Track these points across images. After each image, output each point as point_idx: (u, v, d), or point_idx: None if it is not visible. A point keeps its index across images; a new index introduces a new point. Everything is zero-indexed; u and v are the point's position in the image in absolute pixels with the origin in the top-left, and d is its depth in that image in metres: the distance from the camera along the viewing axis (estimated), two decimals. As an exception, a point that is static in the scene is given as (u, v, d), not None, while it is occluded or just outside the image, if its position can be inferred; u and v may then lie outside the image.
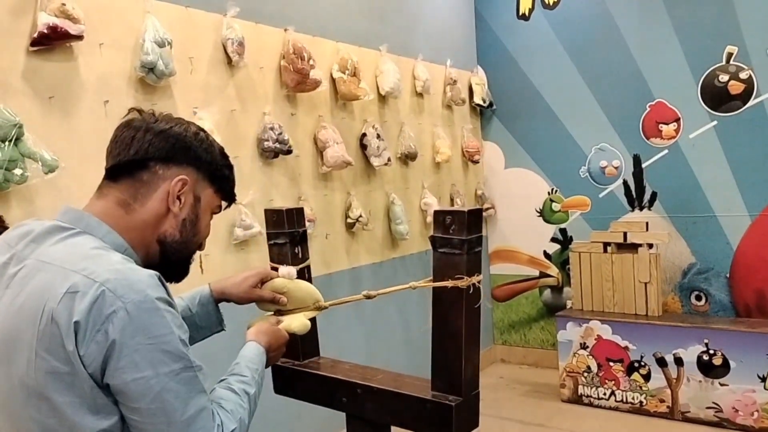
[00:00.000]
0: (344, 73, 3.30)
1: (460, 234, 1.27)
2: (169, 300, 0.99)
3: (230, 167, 1.20)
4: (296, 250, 1.58)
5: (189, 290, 1.43)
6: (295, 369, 1.56)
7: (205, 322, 1.40)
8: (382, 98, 3.70)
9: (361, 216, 3.44)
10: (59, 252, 0.99)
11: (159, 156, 1.08)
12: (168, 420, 0.95)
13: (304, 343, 1.60)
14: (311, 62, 3.01)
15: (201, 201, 1.14)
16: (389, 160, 3.61)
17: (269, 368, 1.34)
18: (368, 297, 1.49)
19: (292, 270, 1.45)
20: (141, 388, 0.93)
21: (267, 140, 2.85)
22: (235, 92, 2.81)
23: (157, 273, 1.00)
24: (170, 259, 1.13)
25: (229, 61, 2.74)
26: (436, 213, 1.30)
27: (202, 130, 1.16)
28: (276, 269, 1.46)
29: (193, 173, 1.12)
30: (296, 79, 2.98)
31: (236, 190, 1.23)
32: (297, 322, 1.39)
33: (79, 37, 2.10)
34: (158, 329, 0.94)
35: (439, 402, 1.26)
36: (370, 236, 3.61)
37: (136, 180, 1.08)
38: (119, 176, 1.09)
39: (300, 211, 1.63)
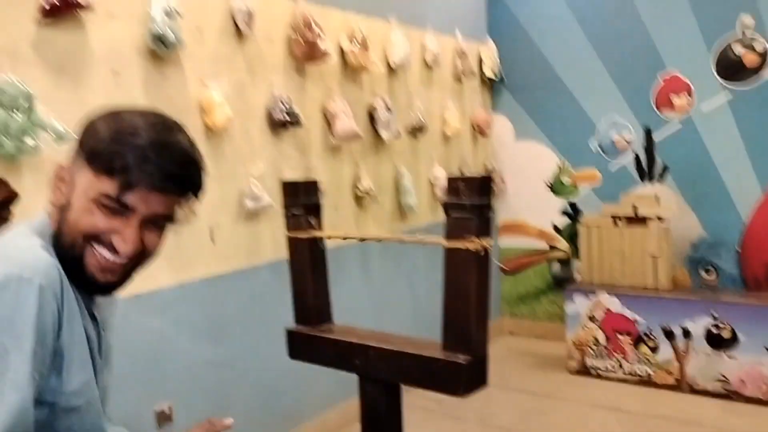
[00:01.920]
0: (353, 44, 3.29)
1: (471, 198, 1.28)
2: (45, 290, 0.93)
3: (121, 142, 0.98)
4: (311, 221, 1.61)
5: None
6: (310, 334, 1.59)
7: None
8: (392, 70, 3.68)
9: (370, 188, 3.44)
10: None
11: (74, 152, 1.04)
12: None
13: (318, 310, 1.63)
14: (320, 33, 3.00)
15: (76, 185, 1.00)
16: (399, 132, 3.61)
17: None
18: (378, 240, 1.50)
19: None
20: None
21: (277, 112, 2.85)
22: (245, 64, 2.81)
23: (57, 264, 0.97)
24: (59, 256, 1.01)
25: (239, 32, 2.73)
26: (449, 179, 1.31)
27: (137, 114, 1.03)
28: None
29: (77, 159, 1.02)
30: (305, 51, 2.97)
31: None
32: None
33: (88, 7, 2.10)
34: (15, 308, 0.90)
35: (449, 360, 1.28)
36: (378, 208, 3.62)
37: None
38: None
39: (315, 184, 1.65)
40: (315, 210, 1.63)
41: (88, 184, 0.98)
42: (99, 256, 1.00)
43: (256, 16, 2.76)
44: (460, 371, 1.26)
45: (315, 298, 1.61)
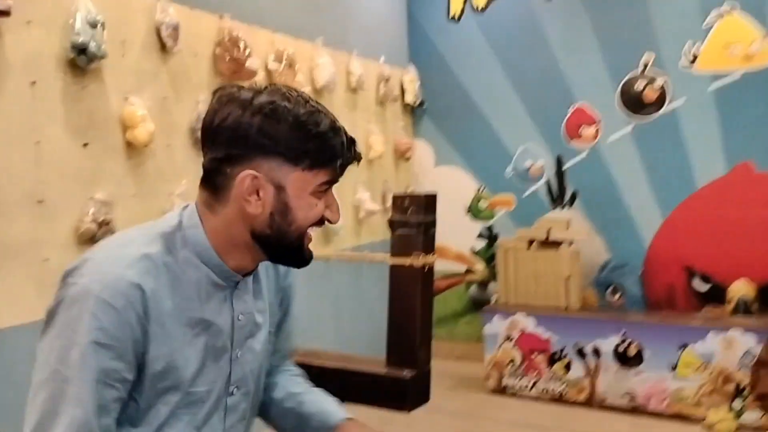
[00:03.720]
0: (280, 64, 3.28)
1: (417, 216, 1.30)
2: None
3: (317, 135, 1.00)
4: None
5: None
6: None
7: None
8: (317, 92, 3.69)
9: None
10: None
11: (225, 157, 0.99)
12: (29, 406, 0.94)
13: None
14: (247, 51, 2.97)
15: (287, 188, 1.00)
16: (323, 154, 3.61)
17: None
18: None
19: None
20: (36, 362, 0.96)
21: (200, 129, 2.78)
22: (169, 79, 2.74)
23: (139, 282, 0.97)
24: (275, 252, 1.06)
25: (163, 46, 2.66)
26: (396, 197, 1.34)
27: (274, 102, 0.98)
28: None
29: (265, 162, 0.99)
30: (232, 68, 2.94)
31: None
32: None
33: (6, 13, 1.99)
34: (73, 318, 0.94)
35: (394, 376, 1.29)
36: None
37: (214, 184, 1.02)
38: (203, 177, 1.05)
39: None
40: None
41: (303, 182, 1.01)
42: (311, 234, 1.07)
43: (182, 31, 2.70)
44: (406, 386, 1.27)
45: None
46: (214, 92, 1.03)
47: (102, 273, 0.95)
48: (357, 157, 1.06)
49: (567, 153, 4.33)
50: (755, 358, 1.47)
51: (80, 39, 2.19)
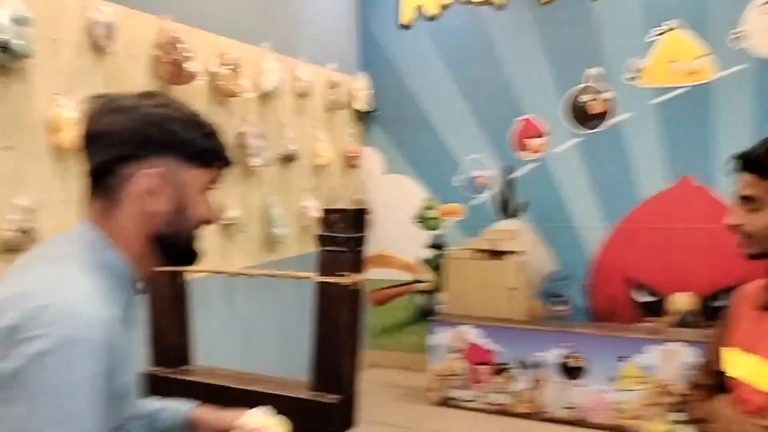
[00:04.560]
0: (224, 68, 3.19)
1: (345, 232, 1.25)
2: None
3: (210, 134, 1.05)
4: None
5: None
6: (168, 377, 1.46)
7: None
8: (263, 97, 3.61)
9: (236, 217, 3.33)
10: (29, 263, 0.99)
11: (122, 158, 0.98)
12: None
13: (179, 350, 1.51)
14: (187, 54, 2.88)
15: (186, 185, 1.03)
16: (269, 160, 3.53)
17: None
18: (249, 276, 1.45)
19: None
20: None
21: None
22: (103, 80, 2.62)
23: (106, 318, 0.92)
24: (172, 251, 1.06)
25: (97, 46, 2.55)
26: (324, 211, 1.28)
27: (172, 102, 1.04)
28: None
29: (167, 160, 1.00)
30: (170, 71, 2.83)
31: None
32: None
33: None
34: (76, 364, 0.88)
35: (318, 401, 1.23)
36: (245, 238, 3.50)
37: (106, 186, 1.00)
38: (92, 183, 1.02)
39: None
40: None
41: (196, 180, 1.03)
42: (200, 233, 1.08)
43: (119, 31, 2.59)
44: (331, 412, 1.21)
45: (175, 337, 1.50)
46: (89, 101, 1.02)
47: (78, 315, 0.88)
48: (232, 161, 1.10)
49: (514, 163, 4.35)
50: (690, 381, 1.46)
51: (2, 36, 2.06)
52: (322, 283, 1.27)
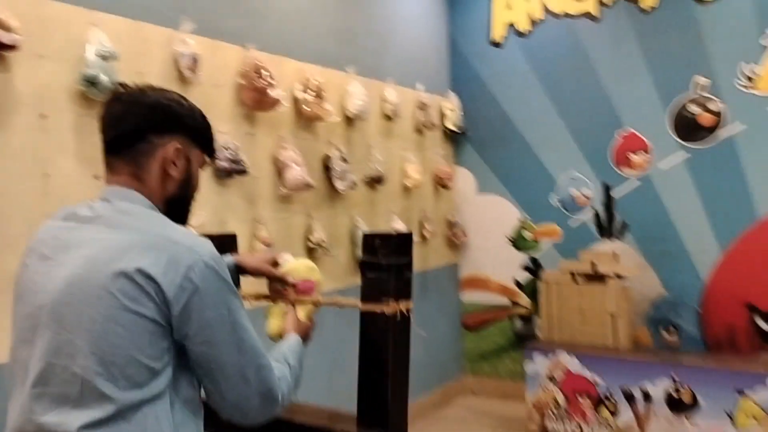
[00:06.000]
0: (307, 93, 3.23)
1: (388, 258, 1.18)
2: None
3: (209, 127, 1.31)
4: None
5: None
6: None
7: None
8: (349, 120, 3.62)
9: (323, 240, 3.33)
10: (128, 219, 1.15)
11: (153, 127, 1.21)
12: (239, 348, 1.12)
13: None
14: (271, 80, 2.93)
15: (192, 161, 1.27)
16: (354, 183, 3.52)
17: None
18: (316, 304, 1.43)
19: (290, 256, 1.54)
20: (218, 323, 1.10)
21: (220, 159, 2.75)
22: (190, 110, 2.71)
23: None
24: (176, 214, 1.26)
25: (182, 77, 2.65)
26: (365, 236, 1.22)
27: (183, 97, 1.28)
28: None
29: (183, 138, 1.24)
30: (254, 98, 2.90)
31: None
32: (302, 314, 1.44)
33: (14, 47, 2.00)
34: (227, 275, 1.14)
35: (361, 437, 1.16)
36: (332, 261, 3.50)
37: (136, 150, 1.20)
38: (120, 148, 1.21)
39: (232, 238, 1.57)
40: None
41: (198, 159, 1.29)
42: None
43: (203, 62, 2.68)
44: (374, 451, 1.13)
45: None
46: (116, 85, 1.34)
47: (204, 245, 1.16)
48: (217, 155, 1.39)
49: (615, 181, 4.09)
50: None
51: (90, 72, 2.18)
52: (365, 312, 1.20)
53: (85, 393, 1.04)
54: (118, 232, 1.12)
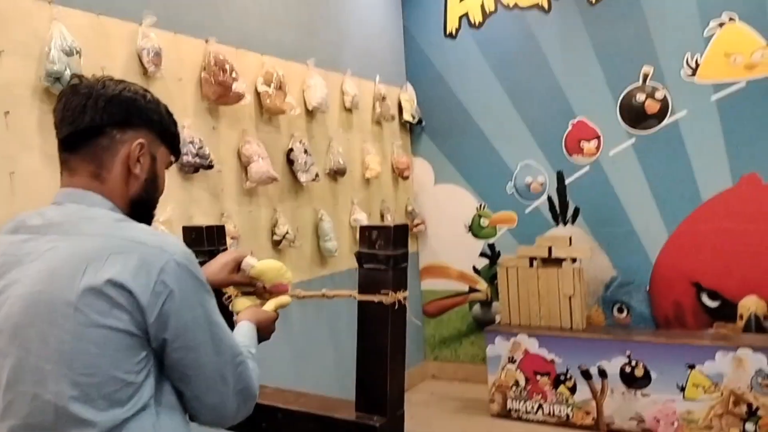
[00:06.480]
0: (269, 86, 3.23)
1: (385, 249, 1.22)
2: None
3: (176, 124, 1.22)
4: None
5: None
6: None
7: None
8: (310, 113, 3.64)
9: (288, 233, 3.35)
10: (86, 224, 1.06)
11: (115, 121, 1.10)
12: (217, 348, 1.07)
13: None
14: (234, 74, 2.92)
15: (157, 159, 1.18)
16: (317, 175, 3.55)
17: None
18: (296, 297, 1.51)
19: (254, 259, 1.47)
20: (195, 325, 1.04)
21: (186, 154, 2.73)
22: (153, 104, 2.68)
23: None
24: (140, 215, 1.16)
25: (145, 72, 2.61)
26: (362, 228, 1.26)
27: (146, 90, 1.18)
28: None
29: (148, 134, 1.15)
30: (218, 92, 2.89)
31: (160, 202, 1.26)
32: (272, 306, 1.44)
33: (-24, 42, 1.95)
34: (200, 272, 1.07)
35: (363, 423, 1.20)
36: (297, 253, 3.52)
37: (97, 147, 1.10)
38: (78, 145, 1.11)
39: (221, 229, 1.56)
40: None
41: (164, 157, 1.20)
42: None
43: (165, 56, 2.66)
44: (375, 434, 1.18)
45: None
46: (73, 76, 1.21)
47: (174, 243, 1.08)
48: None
49: (568, 168, 4.24)
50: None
51: (55, 67, 2.14)
52: (362, 302, 1.24)
53: (61, 421, 0.96)
54: (76, 239, 1.02)
